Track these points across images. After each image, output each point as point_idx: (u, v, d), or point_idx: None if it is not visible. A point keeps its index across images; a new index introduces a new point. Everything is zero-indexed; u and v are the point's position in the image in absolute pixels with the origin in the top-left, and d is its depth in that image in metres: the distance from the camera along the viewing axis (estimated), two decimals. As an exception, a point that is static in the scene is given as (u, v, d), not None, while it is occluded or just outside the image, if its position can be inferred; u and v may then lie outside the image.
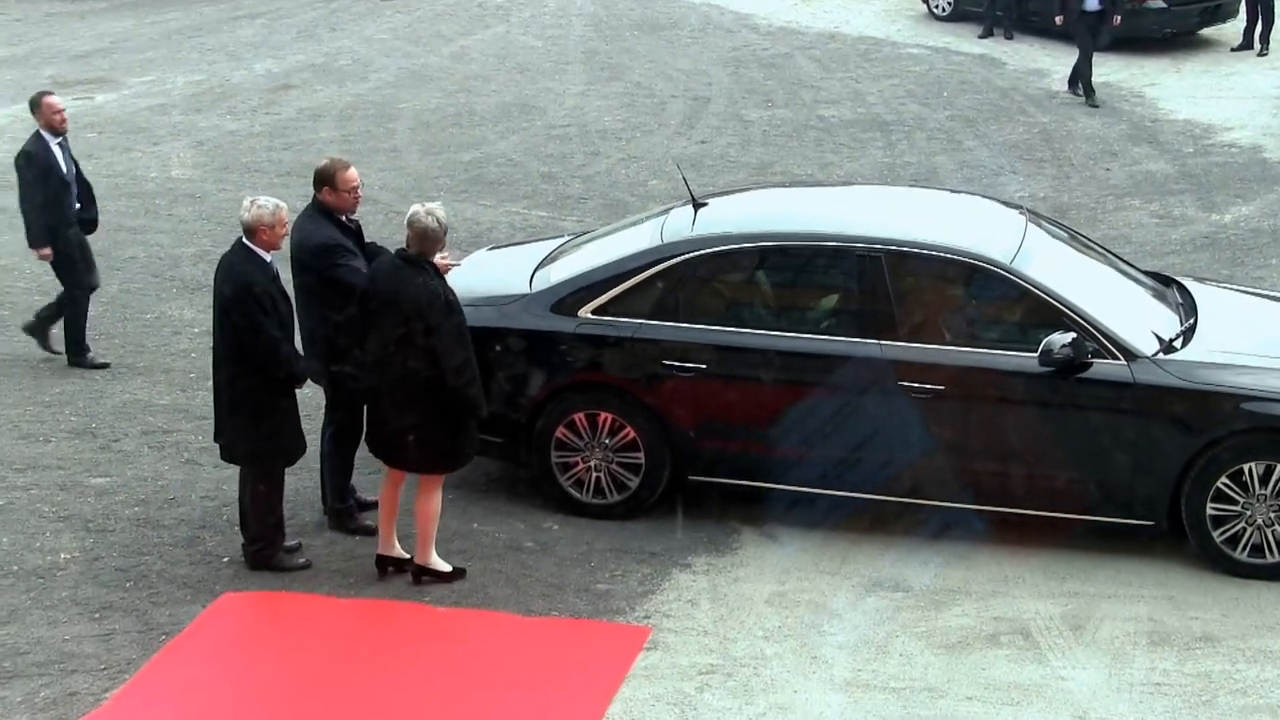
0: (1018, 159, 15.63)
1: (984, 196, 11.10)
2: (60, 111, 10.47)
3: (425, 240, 7.47)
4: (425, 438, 7.54)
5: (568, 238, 9.83)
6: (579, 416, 8.47)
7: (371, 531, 8.24)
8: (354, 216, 8.14)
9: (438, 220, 7.47)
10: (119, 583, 7.89)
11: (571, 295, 8.54)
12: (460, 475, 8.72)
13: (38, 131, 10.46)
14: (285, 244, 7.90)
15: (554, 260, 9.16)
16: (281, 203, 7.76)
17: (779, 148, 16.05)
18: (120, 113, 17.56)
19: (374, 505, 8.33)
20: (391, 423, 7.59)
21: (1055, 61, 19.40)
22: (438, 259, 7.62)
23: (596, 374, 8.45)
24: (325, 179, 8.03)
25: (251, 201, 7.69)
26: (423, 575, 7.84)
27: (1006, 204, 9.90)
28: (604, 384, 8.44)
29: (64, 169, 10.44)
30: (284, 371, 7.67)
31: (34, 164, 10.39)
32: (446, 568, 7.88)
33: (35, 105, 10.50)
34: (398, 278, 7.47)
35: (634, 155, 15.85)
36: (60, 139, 10.46)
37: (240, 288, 7.55)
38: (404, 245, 7.60)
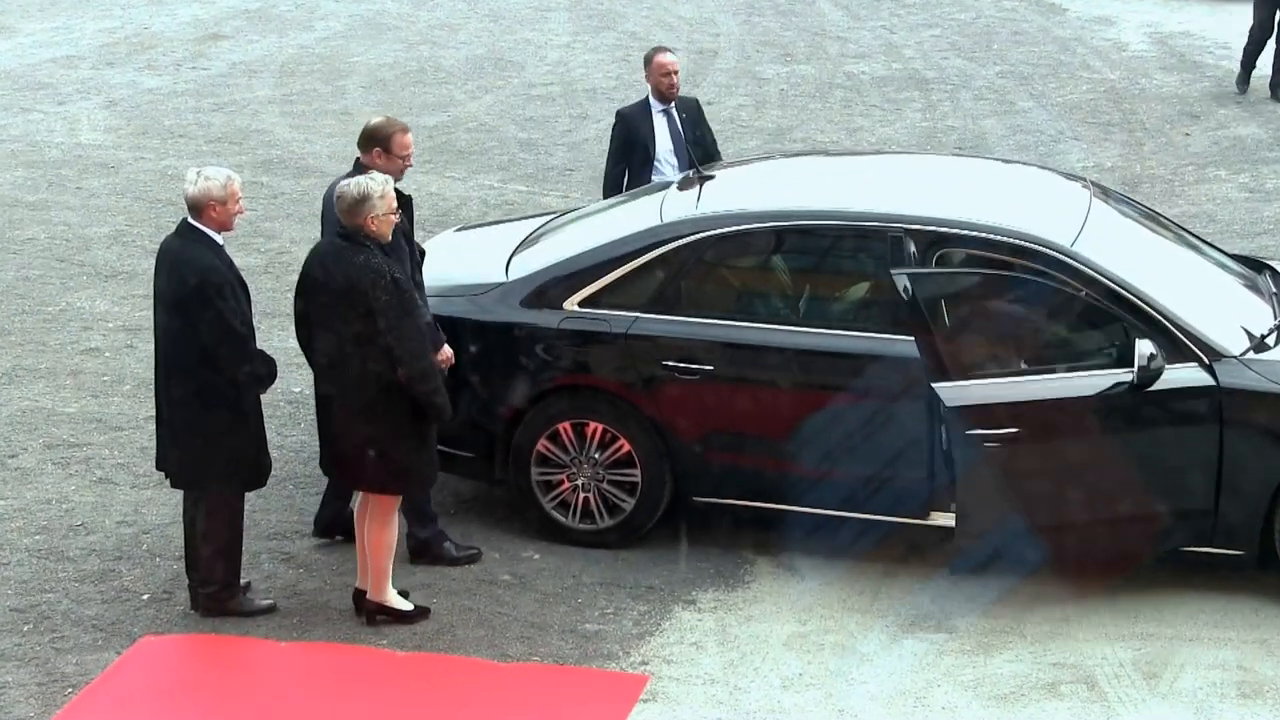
0: (1080, 123, 15.70)
1: (1040, 167, 11.20)
2: None
3: (362, 205, 7.48)
4: (377, 451, 7.57)
5: (551, 217, 9.86)
6: (564, 427, 8.50)
7: (476, 558, 8.42)
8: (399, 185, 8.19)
9: (364, 184, 7.48)
10: (14, 626, 7.88)
11: (555, 284, 8.56)
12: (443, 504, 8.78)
13: None
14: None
15: (534, 243, 9.18)
16: (234, 173, 7.77)
17: (799, 110, 16.08)
18: (17, 65, 17.57)
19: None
20: (340, 437, 7.64)
21: (1125, 7, 19.47)
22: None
23: (584, 377, 8.48)
24: (378, 140, 8.11)
25: (198, 173, 7.68)
26: (378, 614, 7.87)
27: (1068, 176, 9.96)
28: (593, 388, 8.47)
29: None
30: (252, 376, 7.66)
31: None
32: (406, 606, 7.92)
33: None
34: (336, 259, 7.53)
35: (628, 119, 15.86)
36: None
37: (198, 277, 7.52)
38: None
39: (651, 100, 10.54)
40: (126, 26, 19.04)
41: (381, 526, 7.75)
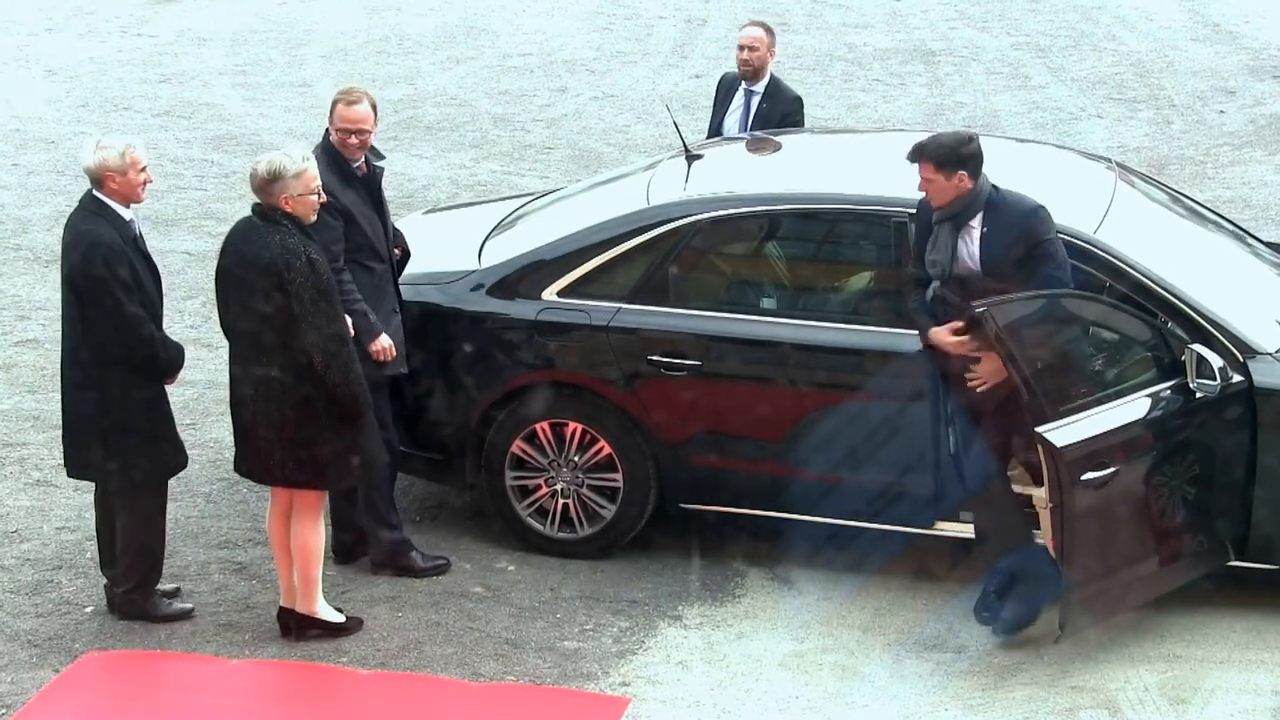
0: (1103, 99, 15.73)
1: (1060, 147, 11.19)
2: None
3: (273, 184, 7.50)
4: (293, 442, 7.57)
5: (527, 199, 9.86)
6: (541, 427, 8.51)
7: (444, 568, 8.46)
8: (378, 164, 8.31)
9: (276, 161, 7.49)
10: (-56, 641, 7.90)
11: (532, 272, 8.57)
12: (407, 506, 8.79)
13: None
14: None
15: (510, 227, 9.19)
16: (134, 141, 7.78)
17: (796, 83, 15.78)
18: (-54, 33, 17.58)
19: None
20: (254, 426, 7.64)
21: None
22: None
23: (563, 373, 8.48)
24: (331, 107, 8.17)
25: (95, 143, 7.71)
26: (309, 628, 7.87)
27: (1090, 156, 9.96)
28: (573, 385, 8.48)
29: None
30: (151, 362, 7.68)
31: None
32: (337, 617, 7.94)
33: None
34: (249, 239, 7.56)
35: (611, 93, 15.89)
36: None
37: (87, 249, 7.55)
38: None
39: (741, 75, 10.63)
40: (65, -11, 18.98)
41: (306, 528, 7.75)
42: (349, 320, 7.74)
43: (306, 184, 7.56)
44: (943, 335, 7.92)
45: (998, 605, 7.95)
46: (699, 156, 9.05)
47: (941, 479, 8.15)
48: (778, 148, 9.70)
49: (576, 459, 8.50)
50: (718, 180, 8.82)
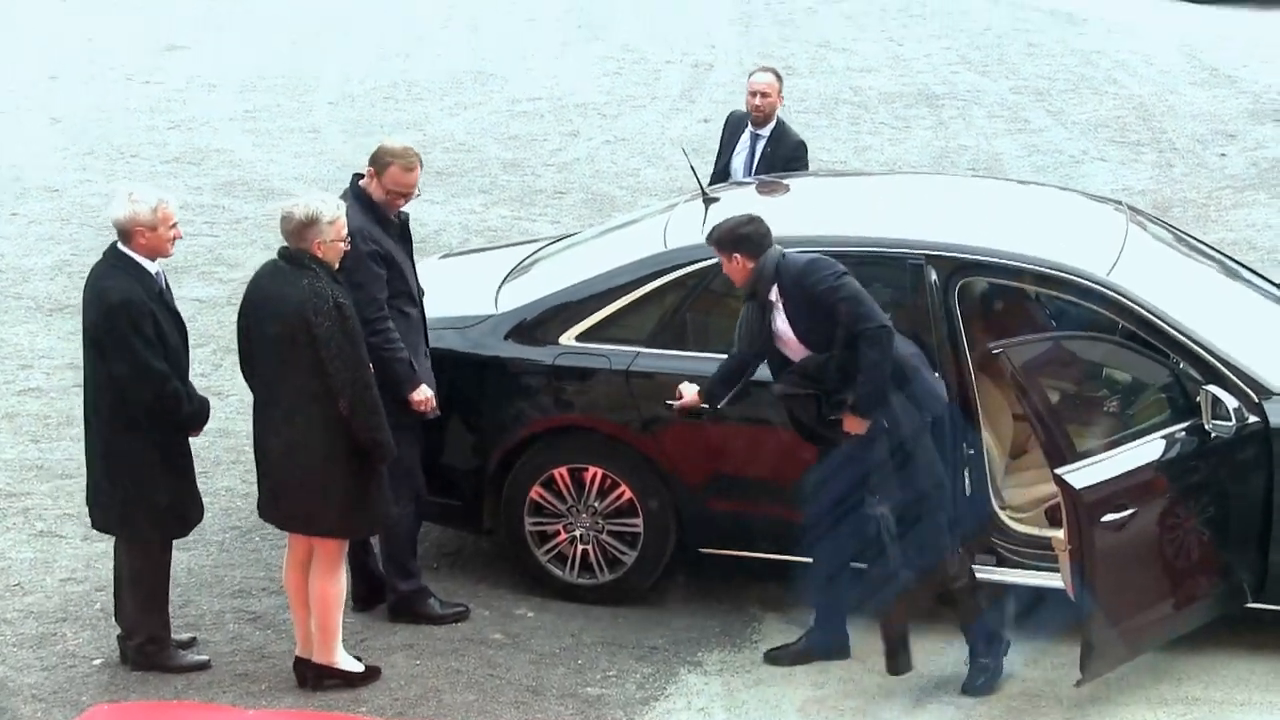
0: (1105, 142, 15.74)
1: (1069, 190, 11.20)
2: None
3: (309, 229, 7.49)
4: (317, 490, 7.53)
5: (543, 243, 9.87)
6: (560, 472, 8.49)
7: (464, 615, 8.41)
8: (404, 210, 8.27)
9: (314, 207, 7.49)
10: (-59, 698, 7.83)
11: (550, 316, 8.57)
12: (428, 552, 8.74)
13: None
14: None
15: (526, 271, 9.19)
16: (166, 195, 7.73)
17: (803, 127, 15.87)
18: (-57, 77, 17.57)
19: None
20: (279, 472, 7.59)
21: (1152, 15, 19.51)
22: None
23: (582, 417, 8.47)
24: (378, 162, 8.11)
25: (128, 195, 7.66)
26: (326, 679, 7.81)
27: (1099, 199, 9.96)
28: (592, 430, 8.46)
29: None
30: (176, 417, 7.64)
31: None
32: (356, 667, 7.89)
33: None
34: (276, 282, 7.53)
35: (621, 136, 15.91)
36: None
37: (112, 307, 7.50)
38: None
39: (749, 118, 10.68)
40: (72, 35, 18.97)
41: (327, 577, 7.69)
42: (387, 364, 7.80)
43: (338, 231, 7.55)
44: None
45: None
46: (715, 200, 9.04)
47: (956, 517, 8.05)
48: (793, 191, 9.70)
49: (596, 504, 8.48)
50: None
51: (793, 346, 7.74)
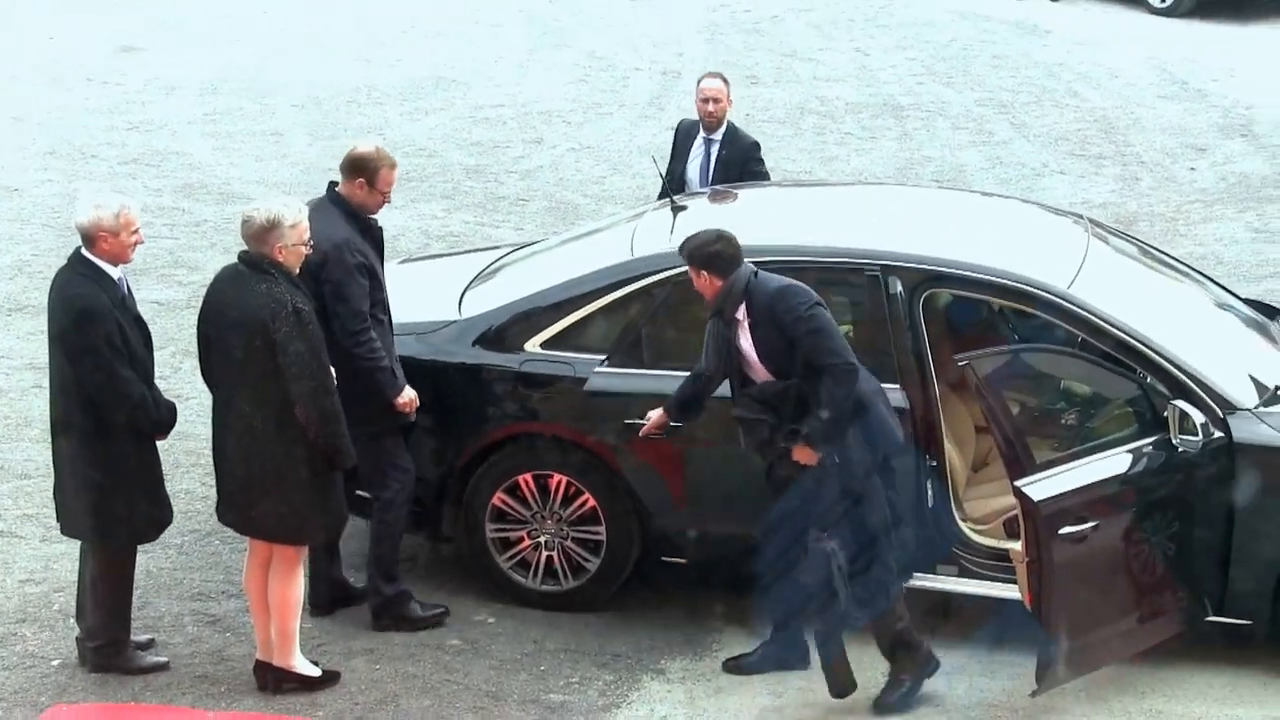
0: (1067, 155, 15.76)
1: (1030, 202, 11.27)
2: None
3: (271, 232, 7.51)
4: (277, 494, 7.56)
5: (507, 250, 9.90)
6: (525, 479, 8.52)
7: (441, 620, 8.44)
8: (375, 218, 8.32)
9: (275, 211, 7.53)
10: (-102, 701, 7.82)
11: (515, 323, 8.60)
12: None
13: None
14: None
15: (490, 277, 9.23)
16: (129, 201, 7.77)
17: (769, 136, 16.00)
18: (-94, 79, 17.48)
19: (363, 596, 8.51)
20: (237, 476, 7.63)
21: (1118, 29, 19.58)
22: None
23: (546, 424, 8.50)
24: (364, 170, 8.15)
25: (92, 200, 7.70)
26: (283, 682, 7.83)
27: (1058, 211, 10.04)
28: (556, 438, 8.49)
29: None
30: (144, 423, 7.66)
31: None
32: (314, 671, 7.92)
33: None
34: (236, 286, 7.55)
35: (587, 144, 15.90)
36: None
37: (80, 315, 7.54)
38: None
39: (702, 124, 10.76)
40: (30, 38, 18.90)
41: (285, 582, 7.73)
42: (371, 374, 7.91)
43: (300, 235, 7.58)
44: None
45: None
46: (683, 208, 9.07)
47: (926, 531, 8.17)
48: (758, 200, 9.75)
49: (560, 512, 8.50)
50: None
51: (755, 368, 7.75)
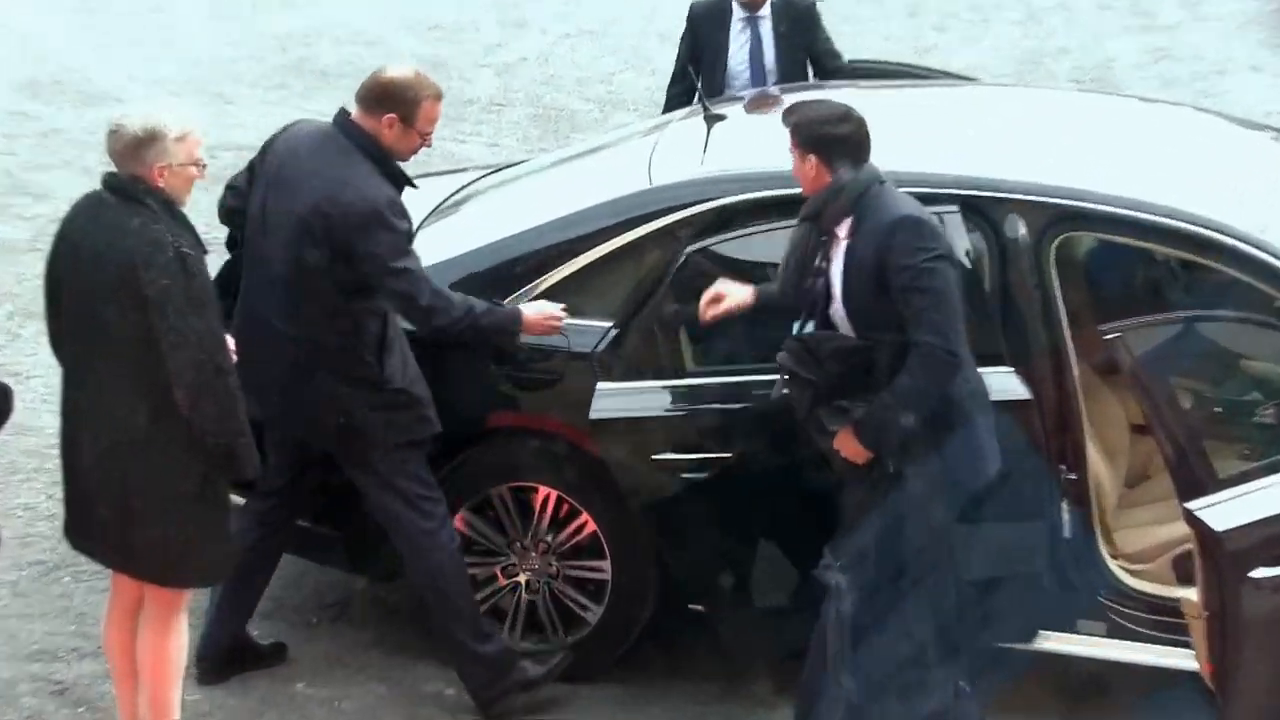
0: (1259, 45, 15.79)
1: (1205, 110, 11.21)
2: None
3: (148, 148, 7.44)
4: (153, 517, 7.48)
5: (477, 174, 9.96)
6: (499, 493, 8.55)
7: (568, 662, 8.55)
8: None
9: (154, 118, 7.46)
10: None
11: (486, 279, 8.58)
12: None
13: None
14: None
15: (449, 214, 9.31)
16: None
17: (843, 17, 16.07)
18: None
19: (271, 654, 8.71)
20: (95, 486, 7.56)
21: None
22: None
23: (529, 417, 8.50)
24: (398, 101, 8.19)
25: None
26: None
27: (1249, 124, 10.04)
28: (543, 435, 8.49)
29: None
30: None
31: None
32: None
33: None
34: (99, 222, 7.51)
35: (588, 27, 16.01)
36: None
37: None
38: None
39: (734, 2, 10.90)
40: None
41: (163, 634, 7.71)
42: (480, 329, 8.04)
43: (190, 151, 7.52)
44: None
45: None
46: (720, 117, 9.07)
47: (1048, 576, 8.17)
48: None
49: (549, 539, 8.51)
50: (746, 151, 8.83)
51: (834, 307, 7.72)
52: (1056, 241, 8.21)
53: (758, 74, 10.75)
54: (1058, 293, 8.18)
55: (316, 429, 8.21)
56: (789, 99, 9.62)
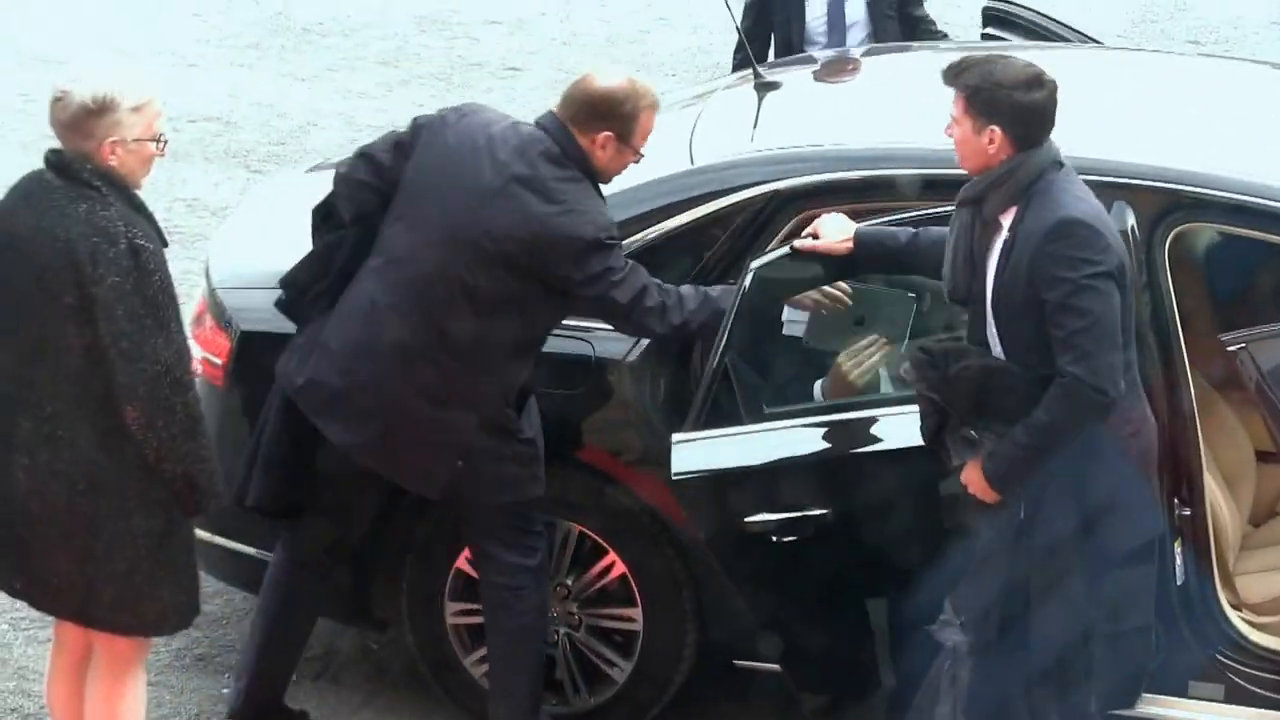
0: None
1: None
2: None
3: (98, 120, 7.46)
4: (103, 555, 7.49)
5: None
6: (510, 531, 8.57)
7: None
8: None
9: (107, 83, 7.47)
10: None
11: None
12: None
13: None
14: None
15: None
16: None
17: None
18: None
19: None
20: (30, 521, 7.55)
21: None
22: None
23: (546, 441, 8.45)
24: (613, 115, 8.16)
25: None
26: None
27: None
28: (561, 462, 8.47)
29: None
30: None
31: None
32: None
33: None
34: (38, 206, 7.52)
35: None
36: None
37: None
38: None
39: None
40: None
41: (115, 691, 7.74)
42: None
43: (148, 124, 7.53)
44: None
45: None
46: (773, 85, 9.12)
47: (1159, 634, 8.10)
48: (900, 73, 9.86)
49: (569, 583, 8.56)
50: (804, 126, 8.89)
51: (986, 317, 7.64)
52: (1171, 234, 8.22)
53: (840, 36, 10.81)
54: (1171, 295, 8.18)
55: (418, 466, 8.22)
56: (870, 63, 9.76)
